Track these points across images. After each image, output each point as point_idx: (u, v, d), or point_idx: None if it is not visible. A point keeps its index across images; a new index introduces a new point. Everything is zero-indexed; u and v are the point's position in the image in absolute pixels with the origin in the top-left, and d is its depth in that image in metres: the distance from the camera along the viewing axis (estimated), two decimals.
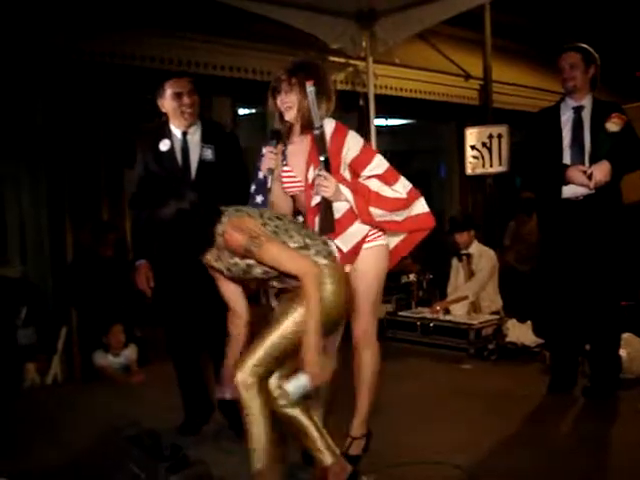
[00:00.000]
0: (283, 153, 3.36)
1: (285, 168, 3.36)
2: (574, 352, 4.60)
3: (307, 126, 3.28)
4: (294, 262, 2.85)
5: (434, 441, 3.77)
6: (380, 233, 3.35)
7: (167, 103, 3.83)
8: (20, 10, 5.65)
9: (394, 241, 3.51)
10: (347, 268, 3.27)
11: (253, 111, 9.00)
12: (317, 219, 3.26)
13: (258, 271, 2.91)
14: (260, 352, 2.87)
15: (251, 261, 2.87)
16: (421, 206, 3.41)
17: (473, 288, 6.30)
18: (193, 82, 3.90)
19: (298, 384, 2.88)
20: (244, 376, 2.84)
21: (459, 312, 6.28)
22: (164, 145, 3.83)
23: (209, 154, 3.86)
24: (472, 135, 7.54)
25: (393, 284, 7.31)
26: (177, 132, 3.87)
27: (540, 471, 3.39)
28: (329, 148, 3.25)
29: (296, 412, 3.00)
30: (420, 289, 7.00)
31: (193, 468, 3.06)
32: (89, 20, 6.01)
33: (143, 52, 6.39)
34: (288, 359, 2.93)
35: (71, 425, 4.32)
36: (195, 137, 3.89)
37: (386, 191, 3.26)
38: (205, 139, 3.90)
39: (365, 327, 3.41)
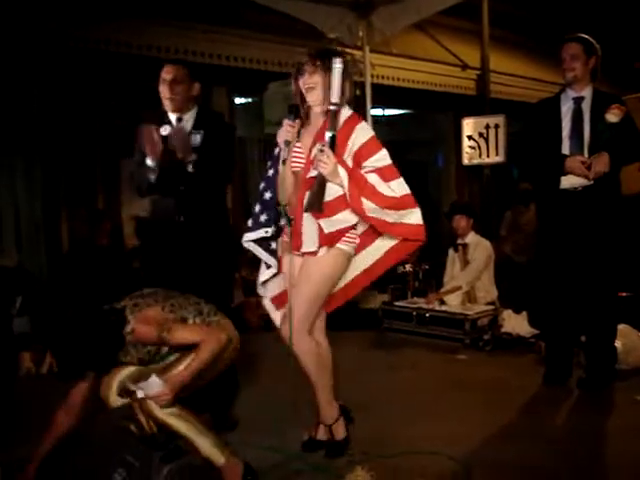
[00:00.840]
0: (299, 131, 3.40)
1: (297, 144, 3.41)
2: (569, 343, 4.60)
3: (325, 107, 3.33)
4: (198, 334, 3.01)
5: (429, 432, 3.77)
6: (354, 239, 3.39)
7: (160, 88, 3.85)
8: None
9: (384, 247, 3.53)
10: (321, 251, 3.33)
11: (249, 100, 8.99)
12: (307, 193, 3.28)
13: (165, 348, 3.04)
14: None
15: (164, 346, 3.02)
16: (415, 217, 3.40)
17: (467, 278, 6.29)
18: (186, 69, 3.89)
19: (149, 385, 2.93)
20: None
21: (454, 302, 6.28)
22: (164, 130, 3.80)
23: (197, 139, 3.84)
24: (469, 125, 7.53)
25: (389, 274, 7.31)
26: (173, 118, 3.87)
27: (535, 462, 3.39)
28: (339, 131, 3.28)
29: (171, 419, 3.00)
30: (416, 279, 6.99)
31: (187, 458, 3.06)
32: (86, 7, 5.99)
33: (140, 40, 6.38)
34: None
35: None
36: (188, 124, 3.88)
37: (381, 186, 3.27)
38: (196, 125, 3.88)
39: (295, 322, 3.38)
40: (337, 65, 3.25)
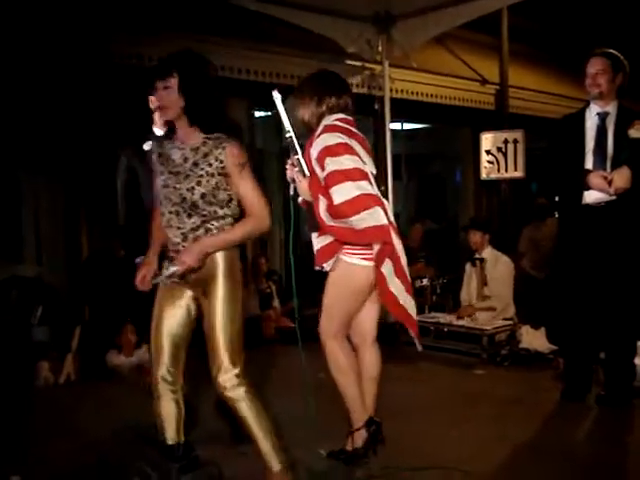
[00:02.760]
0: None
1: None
2: (588, 359, 4.57)
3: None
4: (258, 199, 3.03)
5: (445, 446, 3.76)
6: (357, 250, 3.45)
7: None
8: (36, 16, 5.68)
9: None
10: (324, 267, 3.59)
11: (269, 114, 9.02)
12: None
13: (220, 197, 3.00)
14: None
15: (221, 181, 2.98)
16: (370, 218, 3.34)
17: (503, 300, 6.27)
18: None
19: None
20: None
21: (483, 317, 6.23)
22: (147, 145, 3.87)
23: None
24: (487, 140, 7.51)
25: None
26: (158, 133, 3.93)
27: (552, 478, 3.37)
28: (313, 140, 3.47)
29: (242, 404, 3.04)
30: (434, 294, 6.98)
31: (204, 469, 3.07)
32: (105, 22, 6.03)
33: (161, 54, 6.40)
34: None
35: (84, 424, 4.34)
36: None
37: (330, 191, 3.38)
38: None
39: (321, 325, 3.60)
40: (275, 96, 3.40)
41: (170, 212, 3.03)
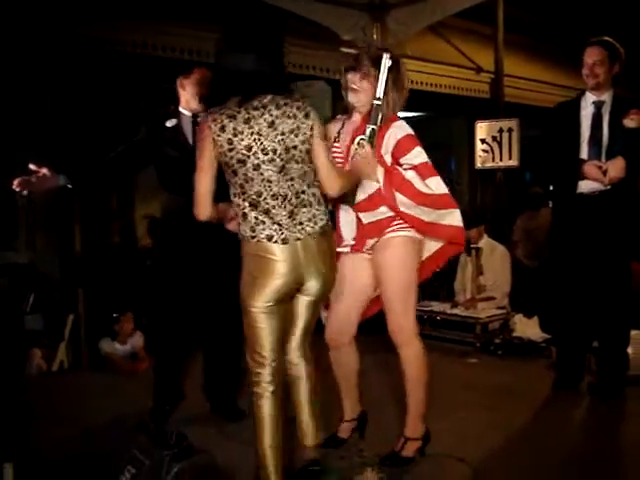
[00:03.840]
0: (339, 132, 3.42)
1: (336, 144, 3.40)
2: (581, 348, 4.58)
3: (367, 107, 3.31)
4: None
5: (439, 434, 3.75)
6: (406, 224, 3.27)
7: (190, 85, 3.93)
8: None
9: (426, 253, 3.46)
10: (367, 245, 3.32)
11: None
12: None
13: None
14: None
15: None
16: (455, 218, 3.33)
17: (502, 289, 6.29)
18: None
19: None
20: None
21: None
22: (170, 122, 3.91)
23: None
24: (482, 129, 7.49)
25: None
26: (187, 114, 3.95)
27: (544, 467, 3.38)
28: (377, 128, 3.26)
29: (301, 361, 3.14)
30: (428, 282, 6.97)
31: (197, 457, 3.06)
32: (107, 9, 6.00)
33: (161, 42, 6.40)
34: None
35: (76, 412, 4.33)
36: None
37: (418, 183, 3.21)
38: None
39: (395, 323, 3.34)
40: (386, 60, 3.20)
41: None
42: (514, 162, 7.28)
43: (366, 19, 6.67)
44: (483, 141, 7.45)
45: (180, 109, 3.97)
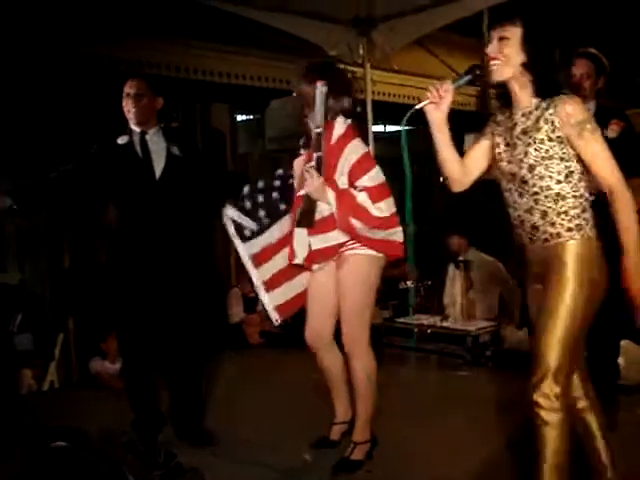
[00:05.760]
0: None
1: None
2: None
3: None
4: (612, 167, 2.60)
5: (430, 449, 3.76)
6: (364, 244, 3.40)
7: (123, 101, 3.89)
8: (32, 20, 5.65)
9: None
10: (314, 267, 3.45)
11: (251, 117, 9.02)
12: (298, 210, 3.36)
13: (554, 169, 2.56)
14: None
15: (554, 148, 2.54)
16: (397, 235, 3.46)
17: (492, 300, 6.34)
18: (147, 84, 3.92)
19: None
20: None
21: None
22: (121, 139, 3.85)
23: (176, 150, 3.88)
24: (470, 141, 7.52)
25: (391, 290, 7.30)
26: (136, 130, 3.88)
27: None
28: (331, 150, 3.34)
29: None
30: (418, 296, 6.98)
31: (186, 476, 3.05)
32: (89, 27, 6.00)
33: (140, 58, 6.40)
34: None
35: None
36: (156, 137, 3.90)
37: (370, 206, 3.30)
38: (169, 138, 3.93)
39: (350, 336, 3.45)
40: (319, 88, 3.26)
41: (506, 190, 2.73)
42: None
43: (352, 34, 6.70)
44: None
45: (130, 125, 3.90)
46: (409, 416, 4.36)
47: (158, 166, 3.82)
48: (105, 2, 6.03)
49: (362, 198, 3.30)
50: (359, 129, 3.57)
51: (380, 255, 3.45)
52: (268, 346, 6.77)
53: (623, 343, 4.71)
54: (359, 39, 6.72)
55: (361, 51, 6.79)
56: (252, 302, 7.35)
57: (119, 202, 3.89)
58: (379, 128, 9.87)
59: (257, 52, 7.21)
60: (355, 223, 3.29)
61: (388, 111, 8.39)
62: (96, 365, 5.71)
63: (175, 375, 4.01)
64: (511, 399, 4.70)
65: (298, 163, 3.53)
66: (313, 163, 3.31)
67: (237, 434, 4.04)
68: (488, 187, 3.02)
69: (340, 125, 3.43)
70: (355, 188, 3.34)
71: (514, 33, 2.57)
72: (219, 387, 4.90)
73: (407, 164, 3.17)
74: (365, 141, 3.64)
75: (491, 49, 2.59)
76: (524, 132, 2.59)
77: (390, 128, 10.64)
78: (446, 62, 9.47)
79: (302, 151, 3.55)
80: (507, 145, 2.67)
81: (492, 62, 2.60)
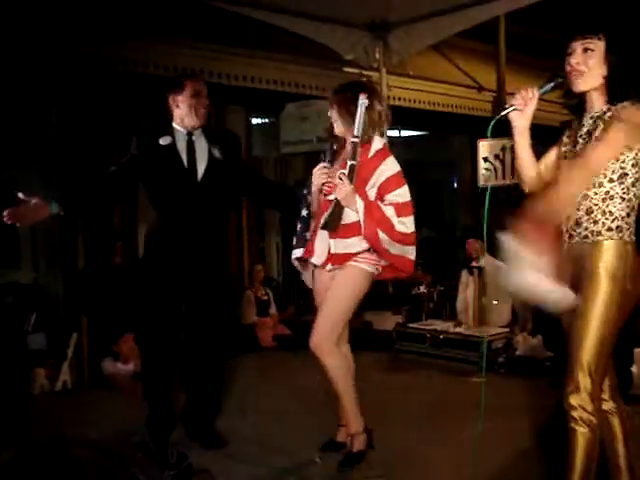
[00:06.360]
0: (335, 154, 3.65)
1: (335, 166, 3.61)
2: None
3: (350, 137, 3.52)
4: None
5: (442, 454, 3.75)
6: (373, 258, 3.55)
7: (184, 100, 3.80)
8: (32, 18, 5.67)
9: None
10: (328, 267, 3.56)
11: (266, 121, 9.03)
12: (326, 213, 3.47)
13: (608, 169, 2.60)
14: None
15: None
16: (411, 253, 3.59)
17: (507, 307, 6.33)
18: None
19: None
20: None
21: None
22: (164, 140, 3.78)
23: (217, 153, 3.85)
24: (485, 147, 7.50)
25: (403, 296, 7.30)
26: (182, 131, 3.83)
27: None
28: (367, 162, 3.48)
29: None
30: (430, 301, 6.97)
31: (197, 477, 3.06)
32: (106, 27, 6.03)
33: (157, 61, 6.42)
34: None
35: (79, 432, 4.31)
36: (201, 139, 3.87)
37: (395, 221, 3.45)
38: (211, 140, 3.89)
39: (320, 335, 3.54)
40: (361, 101, 3.42)
41: None
42: (516, 180, 7.28)
43: (368, 38, 6.71)
44: (486, 159, 7.46)
45: (174, 125, 3.84)
46: (420, 421, 4.36)
47: (200, 168, 3.80)
48: (123, 5, 6.06)
49: (389, 212, 3.44)
50: None
51: (373, 271, 3.59)
52: (281, 349, 6.78)
53: (637, 351, 4.68)
54: (375, 43, 6.72)
55: (377, 55, 6.79)
56: (265, 305, 7.37)
57: (159, 203, 3.83)
58: (394, 133, 9.87)
59: (273, 56, 7.22)
60: (380, 234, 3.42)
61: (403, 116, 8.41)
62: (108, 366, 5.73)
63: (195, 377, 4.00)
64: (523, 405, 4.70)
65: (319, 171, 3.57)
66: (346, 170, 3.42)
67: (248, 435, 4.04)
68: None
69: (379, 141, 3.58)
70: (383, 201, 3.48)
71: (598, 46, 2.67)
72: (231, 389, 4.91)
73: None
74: None
75: (575, 60, 2.70)
76: (588, 133, 2.69)
77: (405, 133, 10.65)
78: (462, 68, 9.47)
79: (323, 162, 3.61)
80: (572, 145, 2.76)
81: (576, 73, 2.71)
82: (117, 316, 5.95)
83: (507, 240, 2.50)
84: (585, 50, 2.68)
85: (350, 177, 3.41)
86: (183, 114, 3.80)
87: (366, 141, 3.51)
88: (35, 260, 6.99)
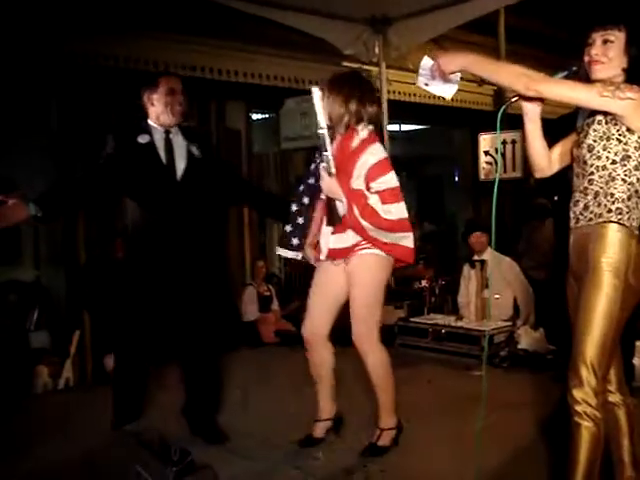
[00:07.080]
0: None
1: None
2: None
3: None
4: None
5: (445, 448, 3.75)
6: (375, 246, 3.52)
7: (159, 97, 3.79)
8: (30, 16, 5.66)
9: None
10: (335, 262, 3.59)
11: (266, 116, 9.03)
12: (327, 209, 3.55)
13: (611, 149, 2.63)
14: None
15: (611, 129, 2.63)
16: (409, 241, 3.57)
17: (526, 310, 6.32)
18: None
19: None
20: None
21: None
22: (142, 138, 3.77)
23: (196, 151, 3.86)
24: (485, 141, 7.50)
25: (405, 290, 7.30)
26: (159, 129, 3.82)
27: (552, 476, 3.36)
28: (351, 154, 3.49)
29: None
30: (432, 295, 6.97)
31: (200, 473, 3.06)
32: (100, 24, 6.02)
33: (157, 58, 6.42)
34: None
35: (82, 428, 4.32)
36: (178, 137, 3.86)
37: (379, 208, 3.43)
38: (189, 138, 3.89)
39: (360, 332, 3.55)
40: (315, 93, 3.41)
41: (574, 175, 2.81)
42: (518, 174, 7.28)
43: (368, 33, 6.71)
44: (486, 153, 7.46)
45: (150, 123, 3.83)
46: (423, 415, 4.36)
47: (179, 166, 3.80)
48: (123, 3, 6.05)
49: (373, 200, 3.43)
50: (374, 128, 3.62)
51: (389, 257, 3.56)
52: (283, 345, 6.78)
53: (638, 343, 4.68)
54: (375, 38, 6.73)
55: (377, 50, 6.80)
56: (267, 301, 7.37)
57: (140, 201, 3.82)
58: (394, 127, 9.86)
59: (273, 51, 7.21)
60: (364, 223, 3.41)
61: (403, 110, 8.40)
62: (111, 362, 5.73)
63: (193, 371, 4.01)
64: (525, 399, 4.70)
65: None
66: (324, 163, 3.45)
67: (250, 431, 4.05)
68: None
69: (365, 130, 3.55)
70: (369, 189, 3.46)
71: (619, 37, 2.65)
72: (233, 384, 4.91)
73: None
74: (380, 140, 3.69)
75: (595, 51, 2.67)
76: (599, 122, 2.68)
77: (405, 127, 10.63)
78: None
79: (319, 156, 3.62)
80: (584, 136, 2.76)
81: (596, 64, 2.69)
82: (119, 312, 5.96)
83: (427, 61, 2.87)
84: (605, 42, 2.66)
85: (328, 170, 3.44)
86: (159, 112, 3.79)
87: (348, 131, 3.53)
88: (37, 258, 6.99)
